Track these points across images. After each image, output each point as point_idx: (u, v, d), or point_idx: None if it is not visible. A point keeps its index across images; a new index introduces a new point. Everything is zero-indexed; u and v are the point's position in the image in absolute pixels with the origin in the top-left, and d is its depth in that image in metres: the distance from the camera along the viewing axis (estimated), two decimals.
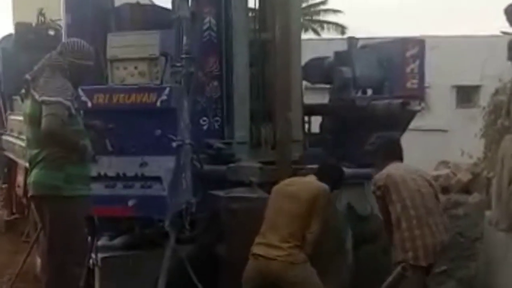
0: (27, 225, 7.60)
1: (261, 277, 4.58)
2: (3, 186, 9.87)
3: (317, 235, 4.61)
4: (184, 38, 5.48)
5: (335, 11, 28.17)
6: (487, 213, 5.14)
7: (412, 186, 4.65)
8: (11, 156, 8.16)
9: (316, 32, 27.76)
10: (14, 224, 9.20)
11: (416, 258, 4.51)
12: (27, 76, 4.29)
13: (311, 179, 4.93)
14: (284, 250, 4.51)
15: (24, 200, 7.54)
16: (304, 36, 21.47)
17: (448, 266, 5.98)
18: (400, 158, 5.01)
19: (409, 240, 4.54)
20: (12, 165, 8.67)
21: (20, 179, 7.77)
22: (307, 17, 27.72)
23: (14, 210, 9.41)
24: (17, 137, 7.44)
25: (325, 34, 26.98)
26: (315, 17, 28.77)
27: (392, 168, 4.82)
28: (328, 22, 28.35)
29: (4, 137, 8.55)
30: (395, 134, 6.16)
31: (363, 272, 5.61)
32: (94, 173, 4.54)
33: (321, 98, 7.80)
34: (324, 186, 4.79)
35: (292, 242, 4.54)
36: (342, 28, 27.65)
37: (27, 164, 4.76)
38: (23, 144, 5.87)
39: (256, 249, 4.64)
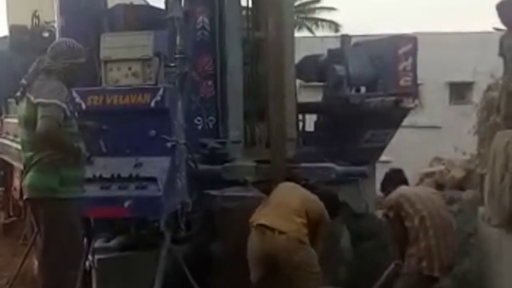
0: (24, 228, 7.58)
1: (264, 255, 4.54)
2: (0, 189, 9.86)
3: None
4: (178, 38, 5.50)
5: (329, 9, 28.18)
6: (480, 209, 5.17)
7: (424, 198, 4.68)
8: (7, 159, 8.16)
9: (310, 30, 27.74)
10: (11, 227, 9.17)
11: (431, 269, 4.50)
12: (23, 81, 4.29)
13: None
14: (294, 224, 4.49)
15: (21, 203, 7.54)
16: (298, 34, 21.50)
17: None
18: (406, 183, 5.13)
19: (425, 250, 4.52)
20: (8, 168, 8.66)
21: (16, 182, 7.77)
22: (301, 15, 27.71)
23: (11, 213, 9.41)
24: (12, 140, 7.43)
25: (319, 32, 26.97)
26: (309, 15, 28.75)
27: (402, 188, 4.90)
28: (322, 20, 28.34)
29: (0, 140, 8.54)
30: (387, 137, 6.28)
31: (360, 269, 5.64)
32: (89, 174, 4.54)
33: (315, 96, 7.82)
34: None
35: (303, 218, 4.53)
36: (336, 26, 27.64)
37: (22, 167, 4.76)
38: (19, 146, 5.88)
39: (262, 218, 4.62)
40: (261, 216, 4.65)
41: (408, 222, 4.61)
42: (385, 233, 6.36)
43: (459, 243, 6.07)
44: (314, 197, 4.84)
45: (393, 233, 4.90)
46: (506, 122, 5.09)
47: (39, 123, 3.97)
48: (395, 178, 5.13)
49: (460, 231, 6.39)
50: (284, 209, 4.63)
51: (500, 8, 5.11)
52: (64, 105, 4.08)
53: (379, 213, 7.01)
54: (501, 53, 5.35)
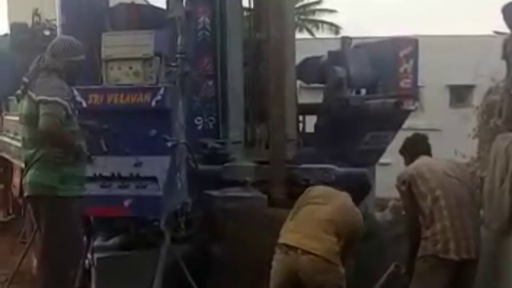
0: (23, 226, 7.59)
1: (287, 277, 4.22)
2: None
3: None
4: (179, 38, 5.50)
5: (330, 11, 28.21)
6: (480, 212, 5.16)
7: (440, 175, 4.46)
8: (7, 156, 8.16)
9: (310, 32, 27.76)
10: (10, 225, 9.18)
11: (446, 251, 4.30)
12: (25, 79, 4.30)
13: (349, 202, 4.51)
14: (323, 242, 4.16)
15: (20, 201, 7.54)
16: (299, 36, 21.52)
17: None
18: (428, 153, 4.80)
19: (440, 232, 4.33)
20: (8, 166, 8.67)
21: (16, 179, 7.77)
22: (302, 17, 27.73)
23: (10, 211, 9.41)
24: (12, 138, 7.44)
25: (319, 34, 26.98)
26: (310, 17, 28.77)
27: (417, 162, 4.63)
28: (323, 22, 28.37)
29: (0, 138, 8.54)
30: (387, 139, 6.15)
31: (359, 270, 5.63)
32: (89, 173, 4.55)
33: (316, 98, 7.83)
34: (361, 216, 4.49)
35: (332, 236, 4.20)
36: (336, 28, 27.66)
37: (23, 165, 4.77)
38: (19, 144, 5.88)
39: (287, 236, 4.29)
40: (287, 233, 4.33)
41: (422, 200, 4.44)
42: (384, 234, 6.38)
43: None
44: (350, 207, 4.46)
45: (404, 208, 4.76)
46: (508, 125, 5.09)
47: (41, 120, 3.98)
48: (416, 145, 4.84)
49: None
50: (311, 224, 4.28)
51: (505, 11, 5.10)
52: (66, 103, 4.09)
53: (379, 215, 7.02)
54: (505, 56, 5.35)
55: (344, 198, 4.49)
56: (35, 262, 6.07)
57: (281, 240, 4.29)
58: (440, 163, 4.60)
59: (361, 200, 4.74)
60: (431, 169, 4.50)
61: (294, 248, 4.16)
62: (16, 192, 7.82)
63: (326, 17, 28.52)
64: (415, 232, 4.54)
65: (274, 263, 4.29)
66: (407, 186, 4.51)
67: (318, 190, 4.60)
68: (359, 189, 4.75)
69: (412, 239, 4.62)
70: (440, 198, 4.38)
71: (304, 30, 27.44)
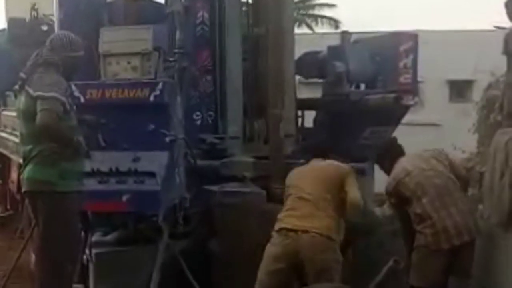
0: (21, 222, 7.58)
1: (285, 256, 4.29)
2: None
3: (360, 199, 4.48)
4: (177, 32, 5.48)
5: (330, 6, 28.16)
6: (480, 207, 5.15)
7: (416, 173, 4.60)
8: (5, 152, 8.14)
9: (309, 27, 27.73)
10: (8, 221, 9.19)
11: (437, 243, 4.44)
12: (22, 74, 4.28)
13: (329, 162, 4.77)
14: (319, 220, 4.28)
15: (18, 196, 7.53)
16: (298, 30, 21.49)
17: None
18: (402, 154, 4.99)
19: (430, 226, 4.46)
20: (5, 162, 8.65)
21: (14, 175, 7.76)
22: (301, 12, 27.70)
23: (8, 207, 9.42)
24: (10, 133, 7.42)
25: (319, 29, 26.95)
26: (310, 12, 28.74)
27: (397, 167, 4.78)
28: (322, 17, 28.34)
29: None
30: (387, 134, 6.18)
31: (357, 266, 5.62)
32: (87, 168, 4.54)
33: (315, 93, 7.81)
34: (343, 166, 4.69)
35: (329, 210, 4.36)
36: (336, 23, 27.63)
37: (20, 160, 4.75)
38: (16, 140, 5.86)
39: (284, 223, 4.37)
40: (283, 218, 4.42)
41: (408, 206, 4.60)
42: (383, 229, 6.37)
43: None
44: (330, 163, 4.71)
45: (399, 219, 4.88)
46: (510, 120, 5.07)
47: (38, 116, 3.96)
48: (390, 151, 5.05)
49: None
50: (304, 204, 4.40)
51: (508, 5, 5.08)
52: (64, 98, 4.08)
53: (378, 210, 7.00)
54: (506, 51, 5.33)
55: (323, 161, 4.77)
56: (33, 258, 6.06)
57: (278, 226, 4.38)
58: (414, 161, 4.74)
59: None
60: (407, 170, 4.65)
61: (293, 231, 4.28)
62: (14, 187, 7.81)
63: (326, 12, 28.49)
64: (409, 237, 4.69)
65: (272, 248, 4.36)
66: (395, 197, 4.71)
67: (299, 168, 4.85)
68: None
69: (407, 245, 4.77)
70: (422, 197, 4.52)
71: (304, 25, 27.40)
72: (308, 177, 4.61)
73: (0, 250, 7.81)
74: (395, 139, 5.28)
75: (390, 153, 5.00)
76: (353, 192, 4.45)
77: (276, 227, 4.41)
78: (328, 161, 4.77)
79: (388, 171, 4.92)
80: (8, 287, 6.16)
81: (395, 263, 4.57)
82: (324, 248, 4.26)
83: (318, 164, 4.76)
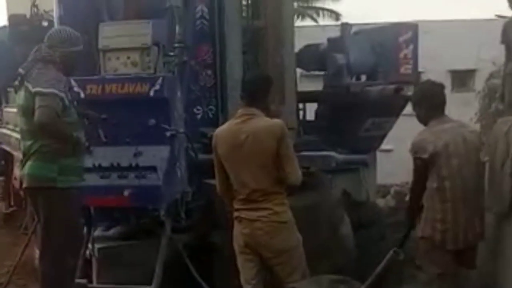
0: (24, 218, 7.62)
1: (246, 245, 4.24)
2: (0, 178, 9.88)
3: (298, 173, 4.18)
4: (177, 27, 5.47)
5: None
6: None
7: (454, 164, 4.24)
8: (7, 148, 8.17)
9: (313, 19, 27.64)
10: (12, 217, 9.22)
11: (443, 241, 4.29)
12: (20, 70, 4.29)
13: (258, 122, 4.19)
14: (264, 204, 4.12)
15: (21, 193, 7.55)
16: (300, 23, 21.43)
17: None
18: (443, 110, 4.43)
19: (440, 222, 4.27)
20: (8, 158, 8.68)
21: (17, 171, 7.77)
22: (303, 4, 27.60)
23: (11, 203, 9.45)
24: (13, 130, 7.44)
25: (320, 21, 26.85)
26: (311, 4, 28.63)
27: (438, 135, 4.27)
28: (324, 9, 28.24)
29: (0, 130, 8.55)
30: (387, 126, 6.04)
31: (360, 257, 5.64)
32: (88, 164, 4.56)
33: (316, 85, 7.82)
34: (276, 123, 4.18)
35: (273, 196, 4.14)
36: (337, 15, 27.54)
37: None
38: (19, 136, 5.87)
39: (237, 209, 4.27)
40: (236, 205, 4.28)
41: (430, 181, 4.29)
42: (386, 220, 6.38)
43: None
44: (257, 134, 4.14)
45: (414, 172, 4.43)
46: (511, 109, 5.07)
47: (37, 113, 3.97)
48: (434, 96, 4.40)
49: None
50: (250, 192, 4.17)
51: None
52: (62, 94, 4.08)
53: (380, 202, 7.03)
54: (504, 40, 5.32)
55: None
56: (37, 253, 6.09)
57: (234, 214, 4.29)
58: (458, 147, 4.27)
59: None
60: (449, 154, 4.24)
61: (246, 219, 4.20)
62: (17, 184, 7.82)
63: (327, 4, 28.38)
64: (417, 197, 4.44)
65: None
66: (422, 161, 4.30)
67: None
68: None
69: (412, 201, 4.57)
70: (447, 190, 4.26)
71: (307, 17, 27.31)
72: None
73: (5, 246, 7.83)
74: (440, 86, 4.53)
75: (431, 102, 4.39)
76: None
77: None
78: None
79: (423, 121, 4.44)
80: (13, 283, 6.20)
81: (395, 254, 4.56)
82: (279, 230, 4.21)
83: None
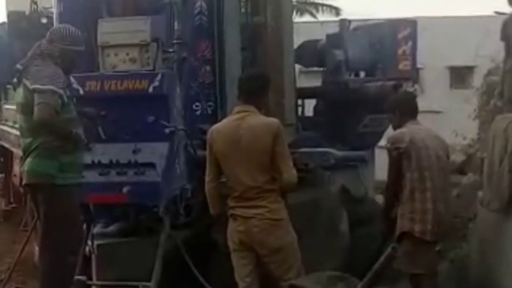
0: (24, 215, 7.62)
1: (241, 242, 4.26)
2: (0, 176, 9.89)
3: (292, 172, 4.17)
4: (175, 23, 5.45)
5: None
6: (480, 193, 5.16)
7: (432, 155, 4.45)
8: (7, 145, 8.17)
9: (312, 14, 27.61)
10: (12, 214, 9.23)
11: (423, 232, 4.39)
12: (18, 66, 4.29)
13: (254, 119, 4.22)
14: (262, 207, 4.14)
15: (21, 190, 7.56)
16: (300, 19, 21.40)
17: (440, 247, 6.00)
18: (416, 115, 4.70)
19: (420, 212, 4.39)
20: (8, 155, 8.68)
21: (16, 168, 7.79)
22: (303, 0, 27.56)
23: (11, 200, 9.45)
24: (12, 126, 7.44)
25: (319, 17, 26.84)
26: (311, 0, 28.59)
27: (415, 131, 4.53)
28: (323, 5, 28.21)
29: None
30: (386, 122, 6.09)
31: (359, 254, 5.65)
32: (87, 160, 4.56)
33: (315, 81, 7.82)
34: (273, 121, 4.22)
35: (268, 193, 4.15)
36: (336, 10, 27.51)
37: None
38: (18, 133, 5.88)
39: (231, 206, 4.29)
40: (231, 203, 4.30)
41: (409, 173, 4.45)
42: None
43: (458, 228, 6.09)
44: (254, 135, 4.16)
45: (389, 171, 4.66)
46: (510, 106, 5.08)
47: (35, 110, 3.97)
48: (407, 104, 4.72)
49: (459, 216, 6.42)
50: (245, 189, 4.19)
51: None
52: (61, 91, 4.08)
53: (379, 198, 7.02)
54: (503, 37, 5.32)
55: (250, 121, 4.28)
56: (37, 250, 6.10)
57: (229, 212, 4.32)
58: (433, 142, 4.55)
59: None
60: (426, 145, 4.47)
61: (241, 216, 4.24)
62: (16, 181, 7.84)
63: (326, 0, 28.34)
64: (392, 194, 4.64)
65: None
66: (399, 153, 4.48)
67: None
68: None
69: (387, 200, 4.76)
70: (427, 180, 4.42)
71: (306, 13, 27.27)
72: None
73: (4, 243, 7.84)
74: (412, 94, 5.02)
75: (403, 108, 4.70)
76: None
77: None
78: None
79: (395, 127, 4.71)
80: (13, 280, 6.21)
81: (393, 250, 4.57)
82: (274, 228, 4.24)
83: None
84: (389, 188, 4.70)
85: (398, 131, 4.61)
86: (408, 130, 4.55)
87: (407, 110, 4.68)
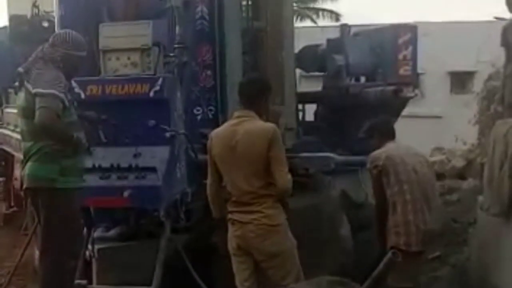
0: (25, 218, 7.62)
1: (239, 247, 4.26)
2: (1, 179, 9.89)
3: (287, 178, 4.14)
4: (177, 27, 5.46)
5: None
6: (480, 198, 5.17)
7: (410, 169, 4.58)
8: (8, 149, 8.17)
9: (312, 20, 27.67)
10: (12, 217, 9.22)
11: (408, 244, 4.48)
12: (20, 69, 4.29)
13: (251, 124, 4.21)
14: (258, 213, 4.13)
15: (22, 193, 7.56)
16: (300, 24, 21.44)
17: (441, 252, 6.02)
18: (394, 137, 4.93)
19: (403, 225, 4.50)
20: (9, 159, 8.69)
21: (17, 172, 7.79)
22: (303, 5, 27.62)
23: (12, 204, 9.45)
24: (13, 130, 7.45)
25: (320, 22, 26.90)
26: (311, 5, 28.66)
27: (392, 148, 4.74)
28: (324, 10, 28.27)
29: (0, 130, 8.56)
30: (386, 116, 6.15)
31: (359, 258, 5.65)
32: (88, 164, 4.56)
33: (315, 86, 7.83)
34: (270, 126, 4.19)
35: (264, 198, 4.13)
36: (337, 16, 27.58)
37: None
38: (19, 137, 5.89)
39: (230, 210, 4.30)
40: (229, 208, 4.31)
41: (389, 189, 4.59)
42: None
43: (458, 233, 6.09)
44: (250, 140, 4.15)
45: (374, 191, 4.87)
46: (510, 111, 5.09)
47: (37, 114, 3.97)
48: (387, 128, 4.99)
49: (460, 220, 6.43)
50: (242, 194, 4.18)
51: None
52: (62, 95, 4.07)
53: None
54: (503, 43, 5.34)
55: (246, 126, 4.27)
56: (37, 254, 6.10)
57: (228, 216, 4.33)
58: (411, 158, 4.72)
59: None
60: (404, 161, 4.62)
61: (238, 222, 4.24)
62: (17, 184, 7.84)
63: (327, 5, 28.41)
64: (382, 212, 4.72)
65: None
66: (378, 171, 4.65)
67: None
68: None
69: (379, 219, 4.80)
70: (406, 193, 4.53)
71: (306, 18, 27.33)
72: None
73: (5, 247, 7.84)
74: (388, 119, 5.28)
75: (381, 131, 4.95)
76: None
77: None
78: None
79: (375, 149, 4.86)
80: (13, 284, 6.21)
81: (393, 255, 4.57)
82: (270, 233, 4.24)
83: None
84: (377, 206, 4.85)
85: (376, 151, 4.80)
86: (385, 148, 4.76)
87: (385, 132, 4.93)
